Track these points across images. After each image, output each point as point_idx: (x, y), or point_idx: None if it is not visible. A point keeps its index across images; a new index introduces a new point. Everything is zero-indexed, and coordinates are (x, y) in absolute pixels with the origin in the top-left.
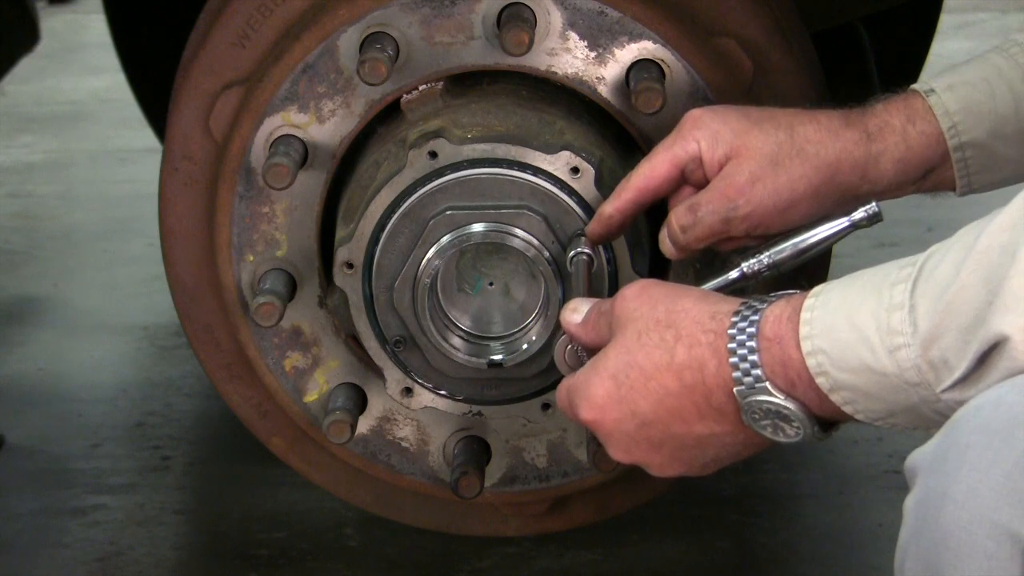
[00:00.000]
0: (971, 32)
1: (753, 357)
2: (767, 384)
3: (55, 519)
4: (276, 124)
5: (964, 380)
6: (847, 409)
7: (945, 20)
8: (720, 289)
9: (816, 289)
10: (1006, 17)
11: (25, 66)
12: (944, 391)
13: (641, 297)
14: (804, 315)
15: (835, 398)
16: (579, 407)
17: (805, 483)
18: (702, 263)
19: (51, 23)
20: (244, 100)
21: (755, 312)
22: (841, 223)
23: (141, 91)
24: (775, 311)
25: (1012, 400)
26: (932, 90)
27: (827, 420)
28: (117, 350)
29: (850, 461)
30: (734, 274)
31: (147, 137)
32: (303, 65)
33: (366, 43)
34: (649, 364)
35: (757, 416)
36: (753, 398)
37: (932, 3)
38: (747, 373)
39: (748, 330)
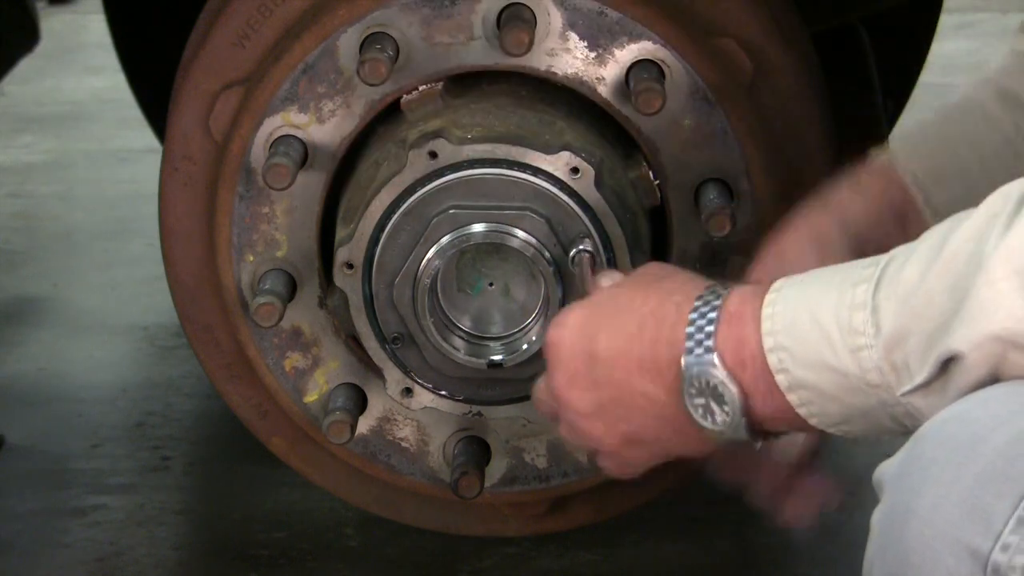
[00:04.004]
0: (971, 32)
1: (709, 328)
2: (714, 356)
3: (55, 519)
4: (276, 124)
5: (925, 386)
6: (802, 411)
7: (945, 20)
8: None
9: (776, 284)
10: (1006, 17)
11: (25, 66)
12: (904, 394)
13: (655, 265)
14: (766, 310)
15: (792, 398)
16: (551, 326)
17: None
18: (702, 262)
19: (51, 23)
20: (244, 100)
21: (725, 287)
22: None
23: (141, 91)
24: (742, 292)
25: (977, 415)
26: (928, 195)
27: (760, 423)
28: (117, 350)
29: (850, 461)
30: None
31: (147, 137)
32: (303, 65)
33: (366, 43)
34: (624, 303)
35: (693, 391)
36: (697, 368)
37: (932, 3)
38: (699, 343)
39: (714, 302)
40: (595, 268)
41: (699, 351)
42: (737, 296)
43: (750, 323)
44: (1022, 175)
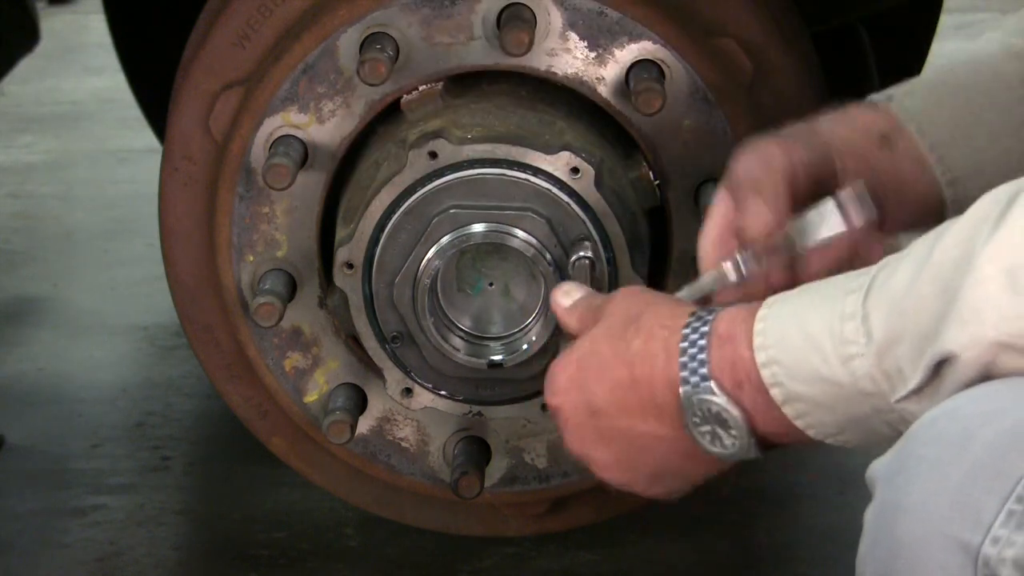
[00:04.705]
0: (971, 32)
1: (702, 356)
2: (712, 384)
3: (55, 519)
4: (276, 124)
5: (919, 391)
6: (799, 423)
7: (945, 20)
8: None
9: (769, 300)
10: (1006, 18)
11: (25, 66)
12: (898, 401)
13: (626, 298)
14: (757, 326)
15: (788, 410)
16: (546, 392)
17: (805, 483)
18: None
19: (51, 23)
20: (244, 100)
21: (711, 313)
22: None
23: (141, 91)
24: (730, 312)
25: (967, 411)
26: (921, 125)
27: (765, 438)
28: (117, 350)
29: (850, 461)
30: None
31: (147, 137)
32: (303, 65)
33: (366, 43)
34: (609, 353)
35: (697, 420)
36: (697, 397)
37: (932, 3)
38: (694, 372)
39: (701, 329)
40: (595, 273)
41: (695, 379)
42: (725, 318)
43: (742, 342)
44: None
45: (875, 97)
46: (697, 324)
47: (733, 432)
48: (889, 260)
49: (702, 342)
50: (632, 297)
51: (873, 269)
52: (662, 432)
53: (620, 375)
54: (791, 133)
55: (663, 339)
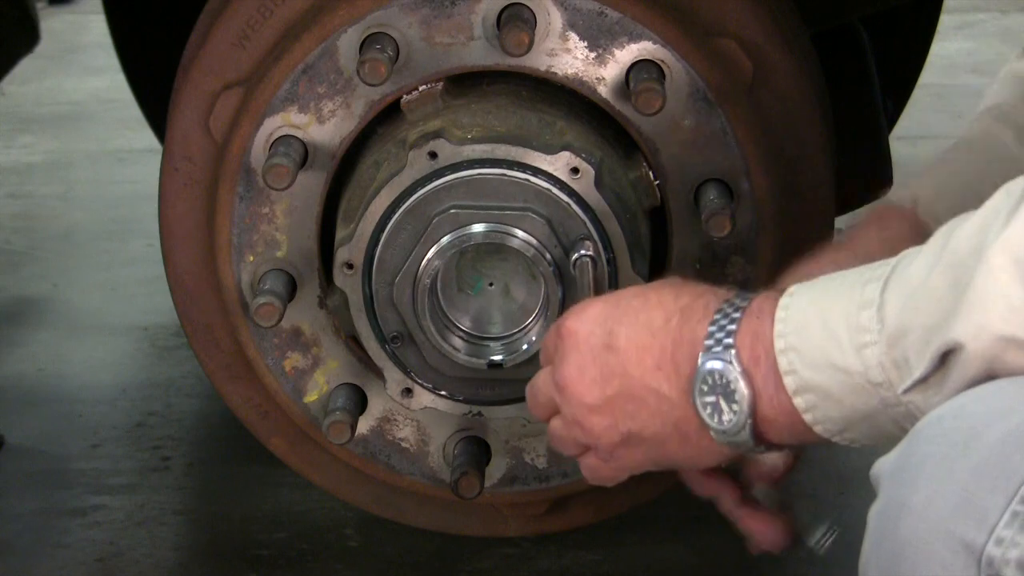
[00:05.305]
0: (971, 32)
1: (732, 327)
2: (732, 352)
3: (55, 519)
4: (276, 124)
5: (924, 381)
6: (807, 417)
7: (945, 20)
8: None
9: (792, 288)
10: (1006, 18)
11: (25, 66)
12: (905, 392)
13: (679, 278)
14: (779, 313)
15: (798, 402)
16: (567, 315)
17: (805, 483)
18: (702, 263)
19: (51, 23)
20: (244, 100)
21: (755, 293)
22: None
23: (141, 91)
24: (766, 294)
25: (972, 410)
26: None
27: (763, 430)
28: (117, 350)
29: (850, 461)
30: None
31: (147, 137)
32: (303, 66)
33: (366, 44)
34: (654, 299)
35: (705, 388)
36: (713, 363)
37: (932, 3)
38: (719, 341)
39: (740, 303)
40: (596, 272)
41: (718, 349)
42: (760, 298)
43: (767, 322)
44: None
45: (899, 196)
46: (738, 300)
47: (735, 407)
48: (910, 251)
49: (736, 314)
50: (682, 279)
51: (894, 259)
52: (666, 392)
53: (656, 321)
54: (832, 253)
55: (705, 303)
